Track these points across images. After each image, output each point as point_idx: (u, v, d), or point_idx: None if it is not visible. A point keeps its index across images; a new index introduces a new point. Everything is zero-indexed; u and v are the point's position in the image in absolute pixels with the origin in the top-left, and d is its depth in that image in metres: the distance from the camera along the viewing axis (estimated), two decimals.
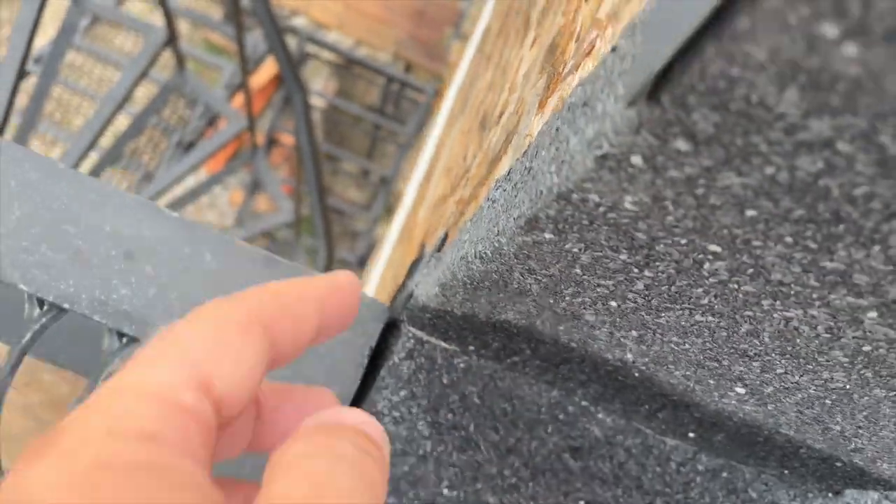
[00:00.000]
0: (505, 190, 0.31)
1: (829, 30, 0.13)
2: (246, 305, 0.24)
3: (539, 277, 0.30)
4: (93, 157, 3.11)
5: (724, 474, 0.46)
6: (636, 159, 0.19)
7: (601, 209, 0.22)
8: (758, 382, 0.33)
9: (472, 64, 1.01)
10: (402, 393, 0.44)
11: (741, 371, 0.33)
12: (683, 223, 0.21)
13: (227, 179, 3.87)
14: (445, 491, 0.43)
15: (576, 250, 0.26)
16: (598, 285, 0.28)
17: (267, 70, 5.74)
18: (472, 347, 0.44)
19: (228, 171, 3.58)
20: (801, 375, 0.30)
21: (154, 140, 3.68)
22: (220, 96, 3.73)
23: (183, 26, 4.98)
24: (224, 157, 4.68)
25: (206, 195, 3.72)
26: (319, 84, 6.33)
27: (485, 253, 0.31)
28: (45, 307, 0.41)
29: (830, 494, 0.46)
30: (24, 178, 0.41)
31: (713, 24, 0.15)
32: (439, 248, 0.46)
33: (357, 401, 0.44)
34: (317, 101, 6.04)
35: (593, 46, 0.27)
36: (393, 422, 0.44)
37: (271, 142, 5.97)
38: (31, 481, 0.19)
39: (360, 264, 5.82)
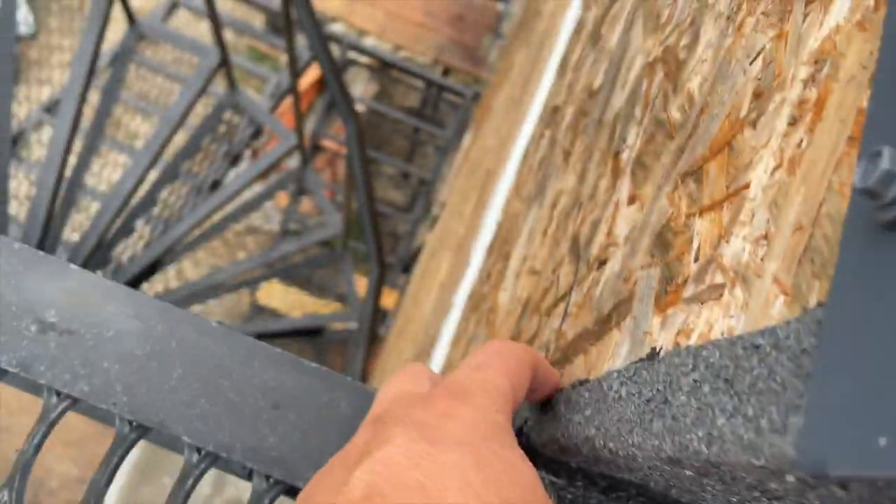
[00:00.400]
0: (632, 395, 0.35)
1: None
2: (530, 355, 0.43)
3: (668, 480, 0.34)
4: (152, 175, 3.22)
5: None
6: (790, 478, 0.23)
7: (747, 479, 0.26)
8: None
9: (536, 127, 1.04)
10: None
11: None
12: None
13: (278, 191, 3.96)
14: None
15: (712, 483, 0.30)
16: (730, 495, 0.32)
17: (310, 74, 5.83)
18: (579, 483, 0.48)
19: (279, 185, 3.66)
20: None
21: (206, 154, 3.78)
22: (267, 110, 3.81)
23: (227, 34, 5.08)
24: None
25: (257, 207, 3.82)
26: (359, 88, 6.40)
27: (616, 451, 0.35)
28: (203, 453, 0.46)
29: None
30: (183, 338, 0.46)
31: None
32: None
33: None
34: (357, 106, 6.11)
35: (721, 294, 0.31)
36: None
37: (315, 147, 6.07)
38: (459, 419, 0.35)
39: (401, 266, 5.90)
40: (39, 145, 3.92)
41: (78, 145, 2.97)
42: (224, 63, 3.03)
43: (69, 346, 0.45)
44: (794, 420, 0.22)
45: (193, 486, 0.46)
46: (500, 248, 0.97)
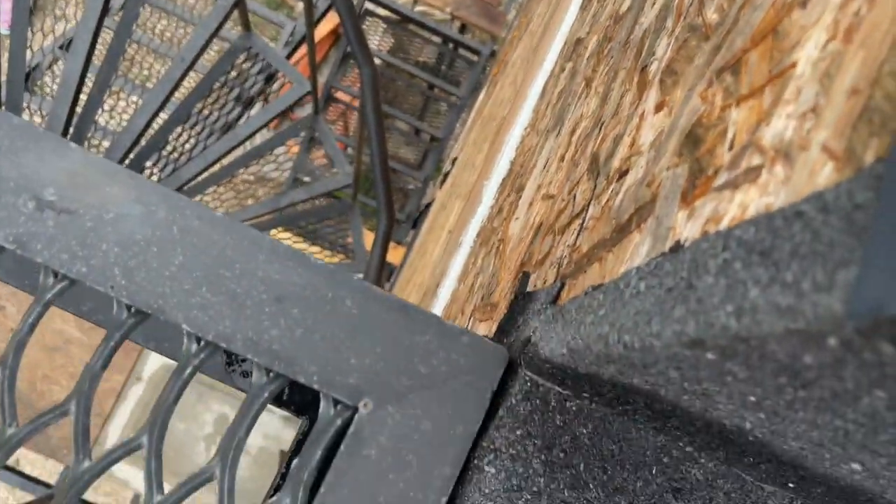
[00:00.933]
0: (652, 287, 0.33)
1: None
2: None
3: (684, 373, 0.32)
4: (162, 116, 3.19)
5: None
6: (832, 341, 0.21)
7: (777, 355, 0.25)
8: (878, 468, 0.35)
9: (557, 63, 1.01)
10: (519, 432, 0.47)
11: (865, 458, 0.35)
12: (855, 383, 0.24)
13: (289, 138, 3.93)
14: None
15: (735, 369, 0.28)
16: (748, 392, 0.30)
17: (325, 24, 5.75)
18: (585, 394, 0.46)
19: (291, 132, 3.63)
20: None
21: (218, 97, 3.74)
22: (283, 56, 3.76)
23: None
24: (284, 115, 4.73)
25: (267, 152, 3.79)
26: (375, 40, 6.31)
27: (632, 344, 0.33)
28: (202, 343, 0.45)
29: None
30: (185, 225, 0.45)
31: None
32: (555, 299, 0.49)
33: (478, 437, 0.47)
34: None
35: (758, 176, 0.29)
36: (510, 458, 0.47)
37: (328, 98, 6.01)
38: None
39: (410, 222, 5.88)
40: (54, 81, 3.89)
41: (90, 84, 2.94)
42: (238, 3, 2.97)
43: (68, 225, 0.43)
44: (842, 275, 0.21)
45: (191, 376, 0.45)
46: (513, 182, 0.95)
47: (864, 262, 0.20)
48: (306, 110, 4.04)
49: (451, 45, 6.25)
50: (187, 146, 3.27)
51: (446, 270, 1.20)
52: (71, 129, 2.70)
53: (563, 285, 0.49)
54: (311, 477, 0.44)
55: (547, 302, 0.50)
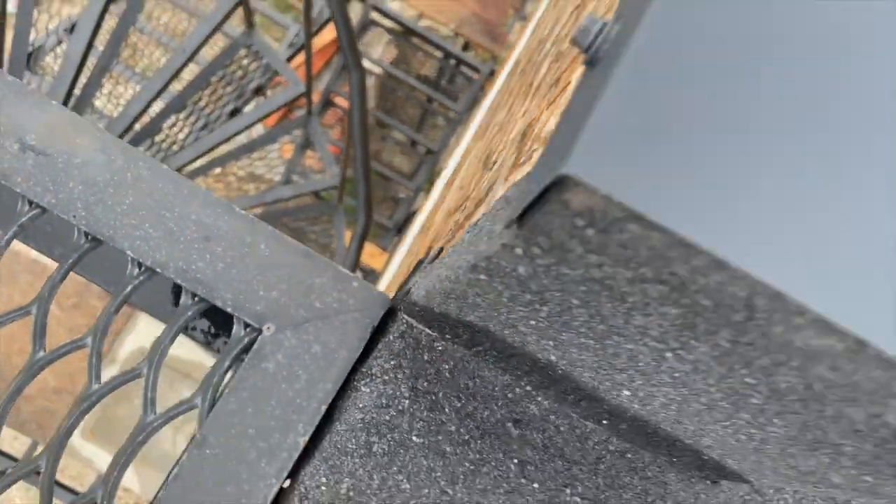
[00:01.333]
0: (470, 233, 0.45)
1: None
2: None
3: (484, 299, 0.44)
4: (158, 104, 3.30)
5: (629, 455, 0.60)
6: (518, 250, 0.33)
7: (509, 269, 0.36)
8: (634, 388, 0.47)
9: (503, 85, 1.14)
10: (392, 362, 0.59)
11: (622, 379, 0.47)
12: (554, 285, 0.35)
13: (281, 136, 4.05)
14: (415, 438, 0.58)
15: (500, 288, 0.40)
16: (518, 310, 0.42)
17: (329, 31, 5.88)
18: (448, 336, 0.58)
19: (283, 130, 3.75)
20: (651, 387, 0.44)
21: (215, 90, 3.86)
22: (284, 58, 3.88)
23: None
24: (279, 115, 4.86)
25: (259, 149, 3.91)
26: (378, 50, 6.46)
27: (452, 277, 0.45)
28: (142, 268, 0.56)
29: (709, 482, 0.60)
30: (137, 174, 0.56)
31: (547, 192, 0.29)
32: (432, 260, 0.60)
33: (358, 363, 0.58)
34: (373, 68, 6.18)
35: (531, 157, 0.41)
36: (382, 382, 0.58)
37: (326, 102, 6.14)
38: None
39: (396, 229, 6.00)
40: (55, 62, 4.00)
41: (90, 68, 3.05)
42: (243, 1, 3.10)
43: (43, 165, 0.55)
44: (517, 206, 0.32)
45: (130, 296, 0.56)
46: (451, 181, 1.07)
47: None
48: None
49: (452, 61, 6.40)
50: (181, 136, 3.39)
51: (394, 260, 1.32)
52: (69, 106, 2.81)
53: (441, 251, 0.61)
54: (220, 380, 0.56)
55: (428, 263, 0.62)
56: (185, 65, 3.06)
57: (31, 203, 0.55)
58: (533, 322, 0.44)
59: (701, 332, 0.32)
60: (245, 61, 3.92)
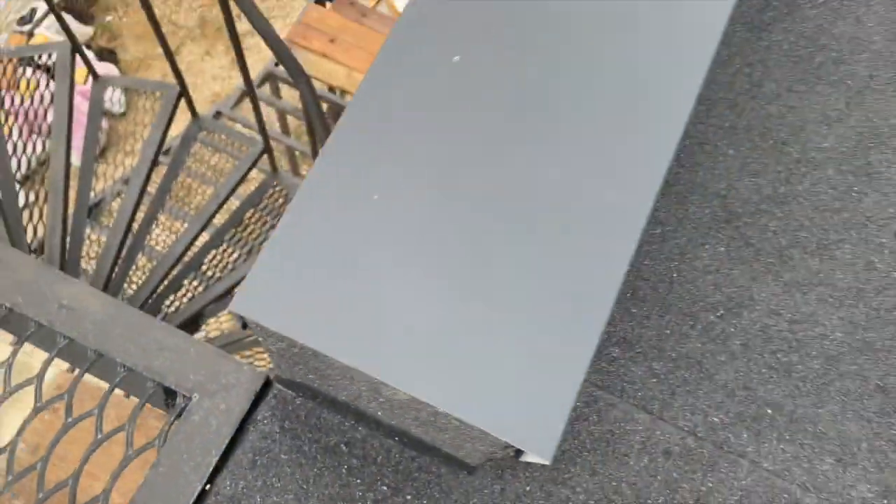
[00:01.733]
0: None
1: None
2: None
3: (303, 375, 0.85)
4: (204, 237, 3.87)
5: (416, 459, 0.98)
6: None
7: (273, 350, 0.77)
8: (388, 418, 0.86)
9: None
10: (268, 413, 0.99)
11: (402, 413, 0.86)
12: (304, 365, 0.76)
13: None
14: (283, 456, 0.97)
15: (290, 364, 0.81)
16: (310, 376, 0.83)
17: None
18: (301, 394, 0.99)
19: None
20: (404, 417, 0.83)
21: (249, 223, 4.44)
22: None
23: (291, 120, 5.81)
24: None
25: None
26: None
27: (276, 366, 0.86)
28: (125, 368, 0.99)
29: (465, 472, 0.97)
30: (125, 318, 1.00)
31: None
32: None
33: (248, 413, 0.99)
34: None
35: None
36: (262, 425, 0.99)
37: None
38: None
39: None
40: (110, 215, 4.65)
41: (141, 215, 3.65)
42: (266, 150, 3.69)
43: (72, 316, 1.00)
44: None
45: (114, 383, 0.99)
46: None
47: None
48: None
49: None
50: (220, 266, 3.94)
51: None
52: (123, 253, 3.38)
53: None
54: (168, 427, 0.97)
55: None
56: (218, 208, 3.63)
57: (64, 336, 0.99)
58: (331, 386, 0.84)
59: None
60: (275, 195, 4.50)
